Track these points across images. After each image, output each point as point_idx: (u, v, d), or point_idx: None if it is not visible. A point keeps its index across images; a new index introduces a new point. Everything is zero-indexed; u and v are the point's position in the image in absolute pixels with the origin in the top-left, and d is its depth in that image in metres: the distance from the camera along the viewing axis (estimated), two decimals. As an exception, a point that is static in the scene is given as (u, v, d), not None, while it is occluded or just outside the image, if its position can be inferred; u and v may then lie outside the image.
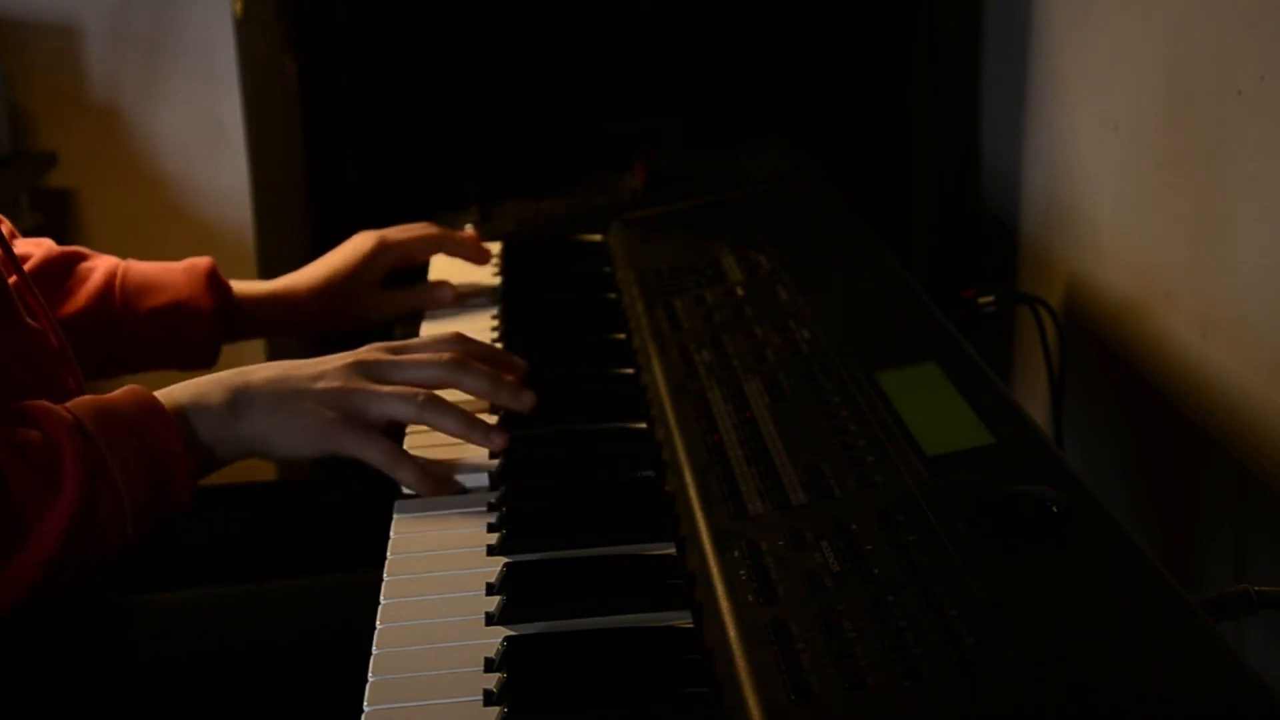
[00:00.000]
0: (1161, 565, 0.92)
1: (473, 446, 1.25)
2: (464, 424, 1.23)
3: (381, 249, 1.63)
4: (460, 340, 1.29)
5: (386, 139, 2.20)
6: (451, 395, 1.27)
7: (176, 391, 1.18)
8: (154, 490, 1.12)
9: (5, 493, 1.05)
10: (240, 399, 1.19)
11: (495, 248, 1.78)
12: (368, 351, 1.25)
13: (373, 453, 1.19)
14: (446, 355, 1.26)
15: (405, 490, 1.21)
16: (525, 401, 1.27)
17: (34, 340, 1.22)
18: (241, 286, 1.60)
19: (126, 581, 1.23)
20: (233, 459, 1.20)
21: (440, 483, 1.20)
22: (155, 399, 1.16)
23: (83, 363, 1.31)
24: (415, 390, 1.22)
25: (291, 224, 2.25)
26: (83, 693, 1.15)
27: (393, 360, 1.24)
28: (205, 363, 1.57)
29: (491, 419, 1.28)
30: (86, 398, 1.14)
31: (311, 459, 1.21)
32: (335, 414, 1.19)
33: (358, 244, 1.64)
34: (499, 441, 1.23)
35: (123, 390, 1.15)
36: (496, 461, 1.23)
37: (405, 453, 1.21)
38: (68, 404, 1.13)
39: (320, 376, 1.21)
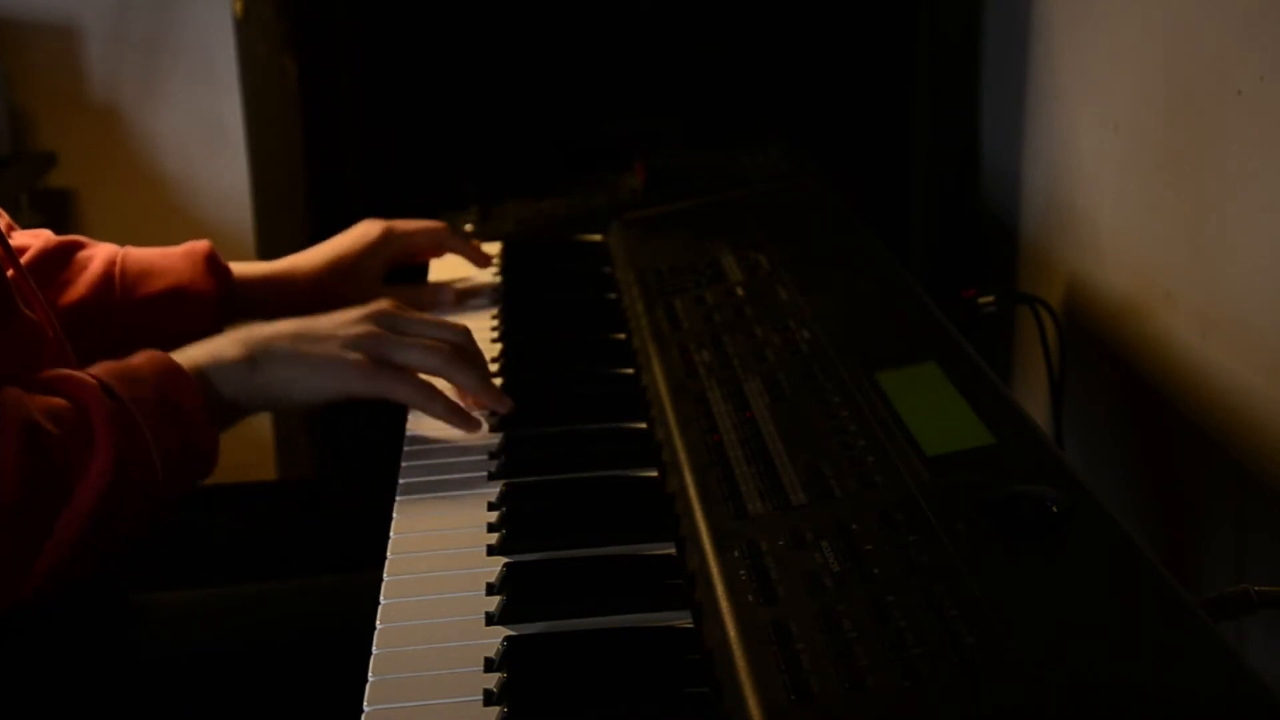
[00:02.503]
0: (1161, 565, 0.92)
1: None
2: (483, 382, 1.30)
3: (387, 238, 1.63)
4: (460, 331, 1.33)
5: (386, 139, 2.20)
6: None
7: (193, 351, 1.23)
8: (180, 446, 1.15)
9: (47, 456, 1.07)
10: (257, 351, 1.23)
11: (495, 248, 1.78)
12: (381, 304, 1.30)
13: (405, 391, 1.26)
14: (447, 346, 1.30)
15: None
16: (507, 404, 1.31)
17: (32, 332, 1.22)
18: (241, 268, 1.60)
19: (127, 581, 1.23)
20: (253, 410, 1.25)
21: (470, 420, 1.27)
22: (172, 359, 1.19)
23: (85, 350, 1.31)
24: (441, 344, 1.28)
25: (291, 224, 2.25)
26: (83, 692, 1.15)
27: (406, 316, 1.30)
28: None
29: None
30: (106, 363, 1.17)
31: (332, 402, 1.26)
32: (363, 356, 1.25)
33: (364, 231, 1.64)
34: (509, 405, 1.30)
35: (139, 354, 1.19)
36: (497, 462, 1.23)
37: (436, 388, 1.27)
38: (88, 370, 1.15)
39: (341, 325, 1.27)
